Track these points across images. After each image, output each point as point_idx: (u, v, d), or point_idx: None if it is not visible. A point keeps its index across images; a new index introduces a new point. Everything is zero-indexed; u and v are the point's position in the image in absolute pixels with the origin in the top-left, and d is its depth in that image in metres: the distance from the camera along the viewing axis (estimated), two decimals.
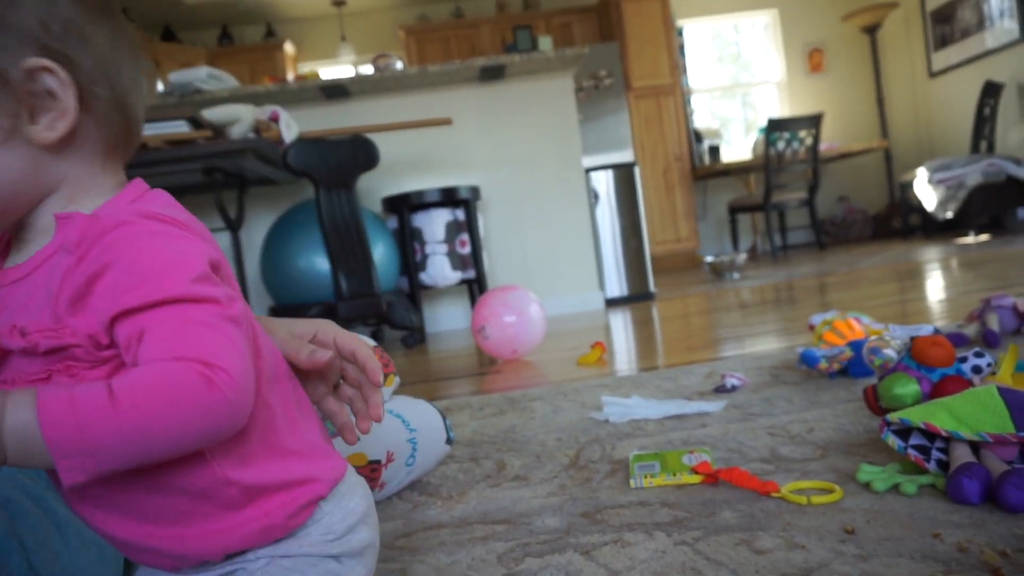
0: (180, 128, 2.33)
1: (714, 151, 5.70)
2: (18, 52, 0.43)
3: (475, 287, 3.00)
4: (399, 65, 4.96)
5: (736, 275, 4.03)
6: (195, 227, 0.46)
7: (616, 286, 3.46)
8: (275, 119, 2.47)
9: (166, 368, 0.40)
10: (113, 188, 0.48)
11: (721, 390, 1.33)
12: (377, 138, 2.72)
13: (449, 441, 1.04)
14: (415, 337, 2.73)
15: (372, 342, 1.06)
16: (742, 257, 4.12)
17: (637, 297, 3.47)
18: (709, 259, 4.33)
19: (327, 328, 0.63)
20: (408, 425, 0.99)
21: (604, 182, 3.46)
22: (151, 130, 2.28)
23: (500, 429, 1.26)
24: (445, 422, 1.05)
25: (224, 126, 2.45)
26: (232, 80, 2.99)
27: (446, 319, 3.27)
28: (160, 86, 3.16)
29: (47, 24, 0.43)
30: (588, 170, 3.42)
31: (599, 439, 1.12)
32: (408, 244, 2.84)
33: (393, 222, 2.93)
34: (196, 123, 2.36)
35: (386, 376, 1.03)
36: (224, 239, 2.94)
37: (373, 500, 0.57)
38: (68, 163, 0.46)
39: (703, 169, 5.61)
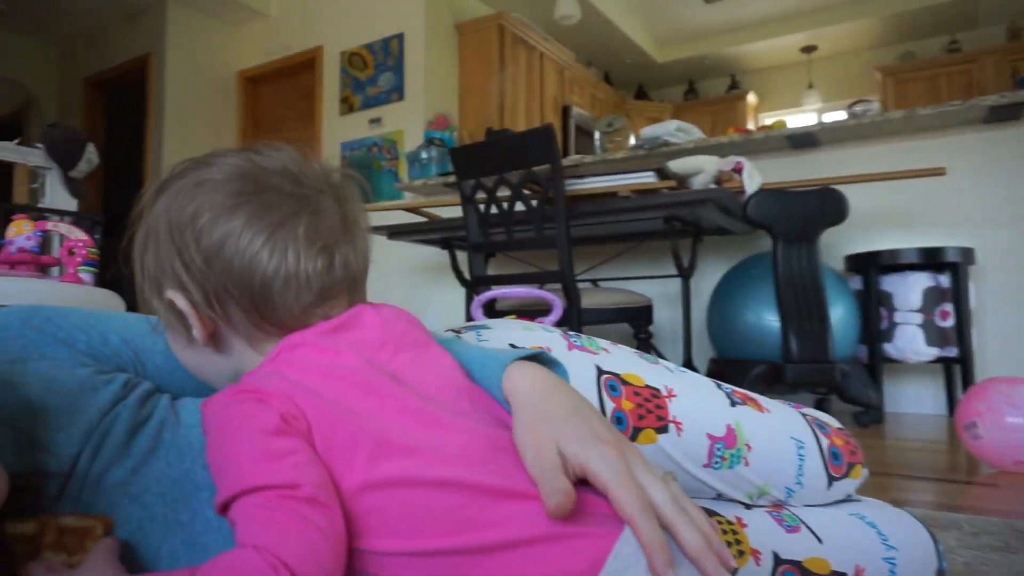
0: (647, 179, 2.46)
1: None
2: (166, 287, 0.54)
3: (955, 368, 2.49)
4: (875, 108, 4.51)
5: None
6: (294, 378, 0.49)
7: None
8: (738, 170, 2.43)
9: (245, 553, 0.40)
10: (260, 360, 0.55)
11: None
12: (846, 189, 2.46)
13: (941, 573, 0.82)
14: (871, 415, 2.37)
15: (835, 423, 0.90)
16: None
17: None
18: None
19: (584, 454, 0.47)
20: (885, 540, 0.81)
21: None
22: (622, 180, 2.46)
23: (1009, 571, 0.95)
24: (937, 547, 0.83)
25: (687, 176, 2.50)
26: (697, 132, 3.06)
27: (912, 400, 2.78)
28: (632, 139, 3.42)
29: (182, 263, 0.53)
30: None
31: None
32: (873, 309, 2.50)
33: (857, 283, 2.61)
34: (662, 174, 2.46)
35: (851, 467, 0.85)
36: (674, 285, 3.01)
37: None
38: (227, 352, 0.56)
39: None
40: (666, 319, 3.13)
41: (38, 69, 5.76)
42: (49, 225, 1.57)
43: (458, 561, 0.43)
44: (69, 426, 0.51)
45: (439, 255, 3.71)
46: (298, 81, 4.95)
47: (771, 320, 2.41)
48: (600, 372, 0.75)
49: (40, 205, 2.48)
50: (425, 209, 3.22)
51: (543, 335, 0.79)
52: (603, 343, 0.81)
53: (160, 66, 4.92)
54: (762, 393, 0.89)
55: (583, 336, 0.81)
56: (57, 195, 2.62)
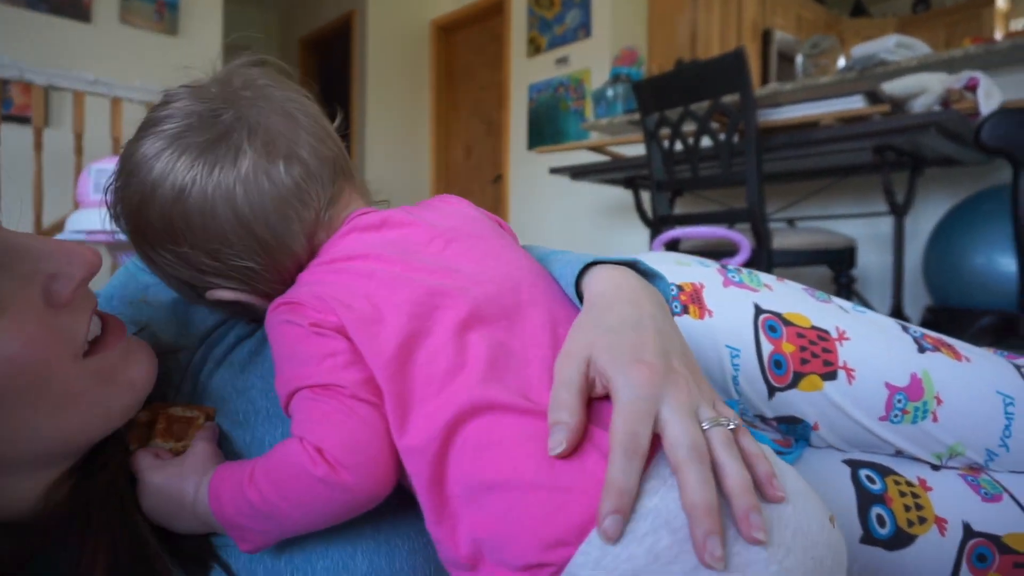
0: (854, 104, 2.18)
1: None
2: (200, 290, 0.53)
3: None
4: None
5: None
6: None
7: None
8: (972, 87, 2.07)
9: (289, 444, 0.43)
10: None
11: None
12: None
13: None
14: None
15: None
16: None
17: None
18: None
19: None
20: None
21: None
22: (825, 108, 2.21)
23: None
24: None
25: (905, 99, 2.19)
26: (923, 47, 2.65)
27: None
28: (842, 62, 3.06)
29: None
30: None
31: None
32: None
33: None
34: (874, 98, 2.17)
35: None
36: (884, 225, 2.70)
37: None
38: (278, 280, 0.52)
39: None
40: (873, 263, 2.81)
41: (262, 34, 6.38)
42: None
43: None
44: (193, 329, 0.58)
45: (623, 195, 3.63)
46: (487, 25, 5.01)
47: (1005, 263, 2.07)
48: (759, 311, 0.68)
49: None
50: (609, 148, 3.14)
51: (698, 270, 0.74)
52: (767, 279, 0.73)
53: (362, 21, 5.22)
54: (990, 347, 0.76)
55: (744, 271, 0.74)
56: None
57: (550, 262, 0.54)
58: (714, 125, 2.22)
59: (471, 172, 5.23)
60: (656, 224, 2.54)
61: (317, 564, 0.46)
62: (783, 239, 2.25)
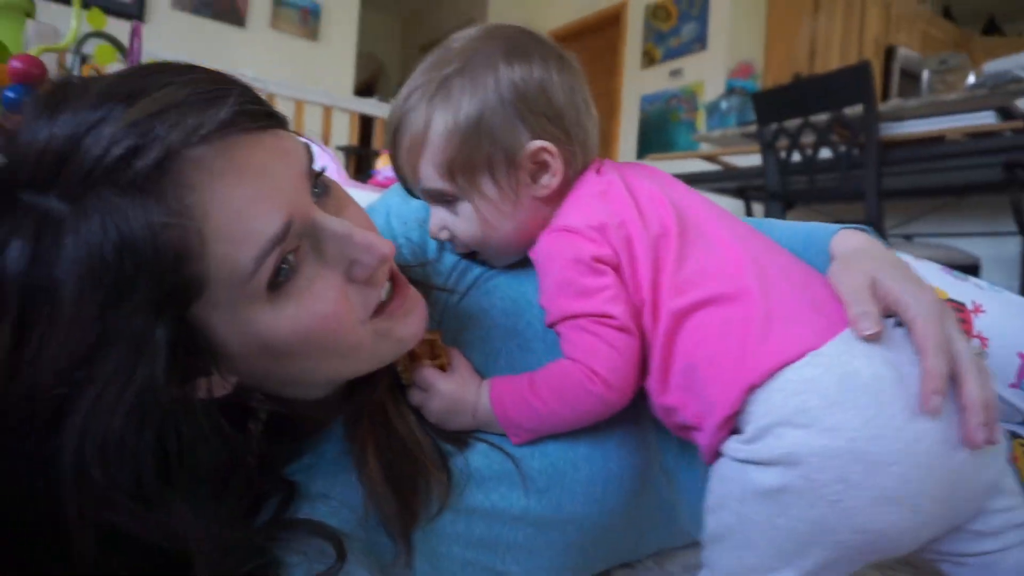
0: (985, 120, 2.15)
1: None
2: (524, 138, 0.59)
3: None
4: None
5: None
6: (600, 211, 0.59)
7: None
8: None
9: (565, 365, 0.57)
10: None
11: None
12: None
13: None
14: None
15: None
16: None
17: None
18: None
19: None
20: None
21: None
22: (952, 123, 2.19)
23: None
24: None
25: None
26: None
27: None
28: (971, 79, 2.98)
29: (549, 106, 0.60)
30: None
31: None
32: None
33: None
34: (1006, 113, 2.14)
35: None
36: (1012, 245, 2.62)
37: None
38: (552, 204, 0.62)
39: None
40: (997, 283, 2.73)
41: (386, 40, 6.75)
42: None
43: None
44: (447, 258, 0.71)
45: (734, 205, 3.64)
46: (602, 36, 5.13)
47: None
48: None
49: None
50: (722, 158, 3.19)
51: None
52: (906, 257, 0.80)
53: None
54: None
55: None
56: None
57: (784, 224, 0.69)
58: (833, 137, 2.24)
59: None
60: None
61: (549, 445, 0.61)
62: (901, 254, 2.23)
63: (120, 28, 1.68)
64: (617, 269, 0.57)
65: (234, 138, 0.43)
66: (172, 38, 3.40)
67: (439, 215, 0.64)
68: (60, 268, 0.39)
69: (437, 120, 0.59)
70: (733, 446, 0.50)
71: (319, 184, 0.50)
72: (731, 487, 0.50)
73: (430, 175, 0.61)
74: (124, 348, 0.39)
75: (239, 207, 0.43)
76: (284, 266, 0.45)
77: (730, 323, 0.52)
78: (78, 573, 0.41)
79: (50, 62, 0.70)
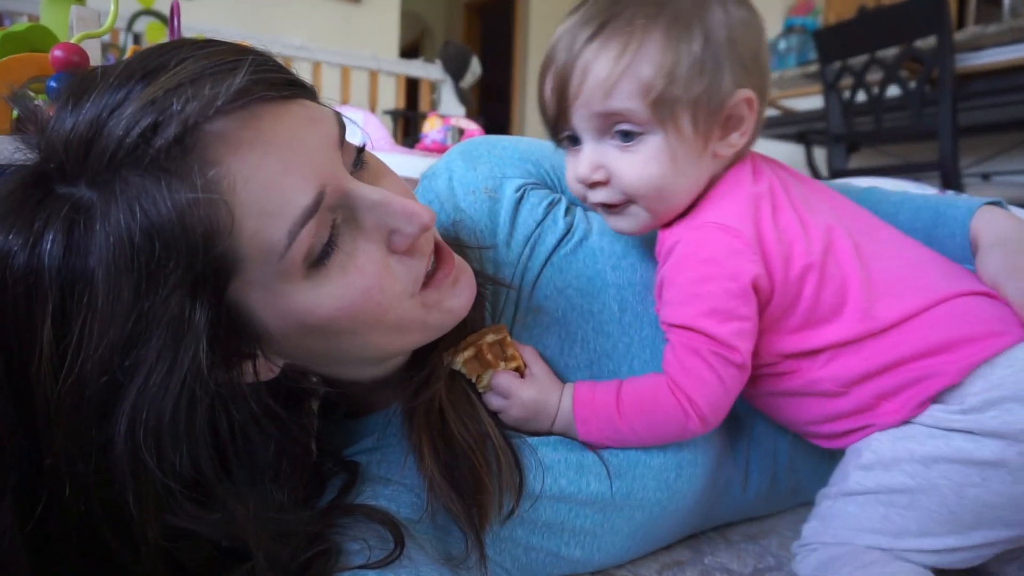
0: None
1: None
2: (736, 82, 0.55)
3: None
4: None
5: None
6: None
7: None
8: None
9: (662, 390, 0.55)
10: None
11: None
12: None
13: None
14: None
15: None
16: None
17: None
18: None
19: None
20: None
21: None
22: None
23: None
24: None
25: None
26: None
27: None
28: None
29: (753, 57, 0.56)
30: None
31: None
32: None
33: None
34: None
35: None
36: None
37: None
38: (715, 175, 0.58)
39: None
40: None
41: (431, 1, 6.65)
42: (452, 121, 1.93)
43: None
44: (518, 233, 0.66)
45: (794, 152, 3.49)
46: None
47: None
48: None
49: (438, 111, 2.98)
50: (780, 102, 3.04)
51: None
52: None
53: None
54: None
55: None
56: (449, 103, 3.12)
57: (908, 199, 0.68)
58: (903, 73, 2.10)
59: None
60: (831, 179, 2.45)
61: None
62: (977, 194, 2.11)
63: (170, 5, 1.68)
64: (769, 302, 0.54)
65: (257, 108, 0.41)
66: (216, 11, 3.42)
67: (600, 152, 0.57)
68: (93, 257, 0.38)
69: (652, 45, 0.54)
70: (937, 415, 0.50)
71: (355, 158, 0.49)
72: (916, 449, 0.51)
73: (630, 97, 0.54)
74: (164, 333, 0.39)
75: (267, 179, 0.41)
76: (321, 242, 0.44)
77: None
78: (146, 568, 0.41)
79: (94, 48, 0.70)
